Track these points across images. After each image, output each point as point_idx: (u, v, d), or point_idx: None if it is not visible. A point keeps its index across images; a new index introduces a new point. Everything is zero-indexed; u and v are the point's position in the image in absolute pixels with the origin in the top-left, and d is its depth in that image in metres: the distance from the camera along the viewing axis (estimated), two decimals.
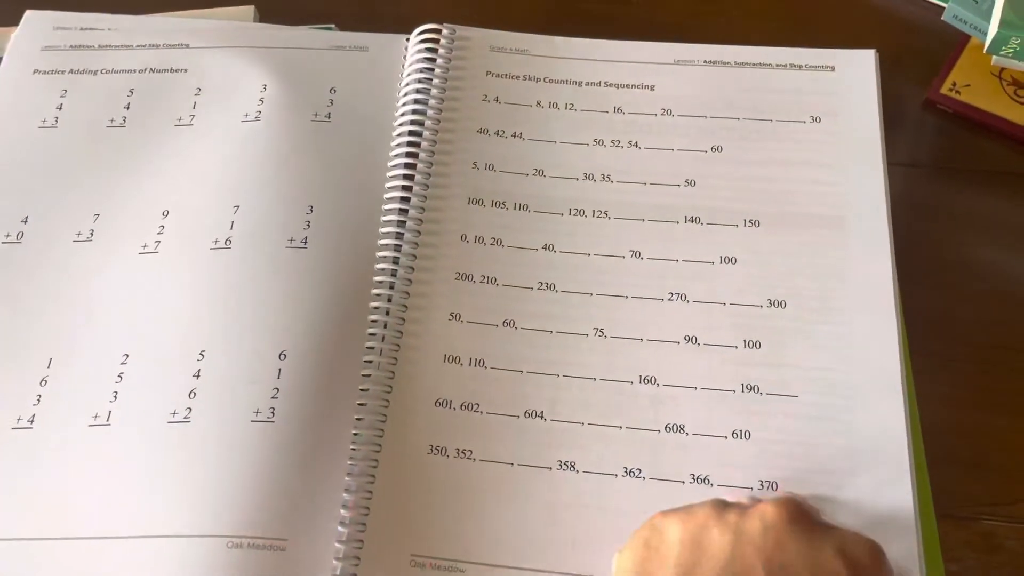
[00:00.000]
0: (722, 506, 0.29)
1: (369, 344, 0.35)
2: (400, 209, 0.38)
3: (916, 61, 0.47)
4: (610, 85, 0.41)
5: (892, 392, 0.34)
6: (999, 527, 0.35)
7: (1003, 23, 0.41)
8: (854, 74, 0.41)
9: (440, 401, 0.34)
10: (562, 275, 0.36)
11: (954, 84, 0.46)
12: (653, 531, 0.29)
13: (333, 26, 0.47)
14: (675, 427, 0.33)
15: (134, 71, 0.42)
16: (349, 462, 0.33)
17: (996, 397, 0.38)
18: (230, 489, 0.31)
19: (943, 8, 0.46)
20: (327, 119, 0.40)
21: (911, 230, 0.41)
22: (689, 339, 0.35)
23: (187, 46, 0.43)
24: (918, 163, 0.46)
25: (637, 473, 0.32)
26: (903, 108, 0.47)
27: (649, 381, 0.34)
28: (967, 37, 0.47)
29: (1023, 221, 0.43)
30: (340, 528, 0.31)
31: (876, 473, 0.33)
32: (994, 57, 0.42)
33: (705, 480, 0.32)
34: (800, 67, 0.41)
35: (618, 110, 0.40)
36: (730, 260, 0.37)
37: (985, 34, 0.44)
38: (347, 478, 0.32)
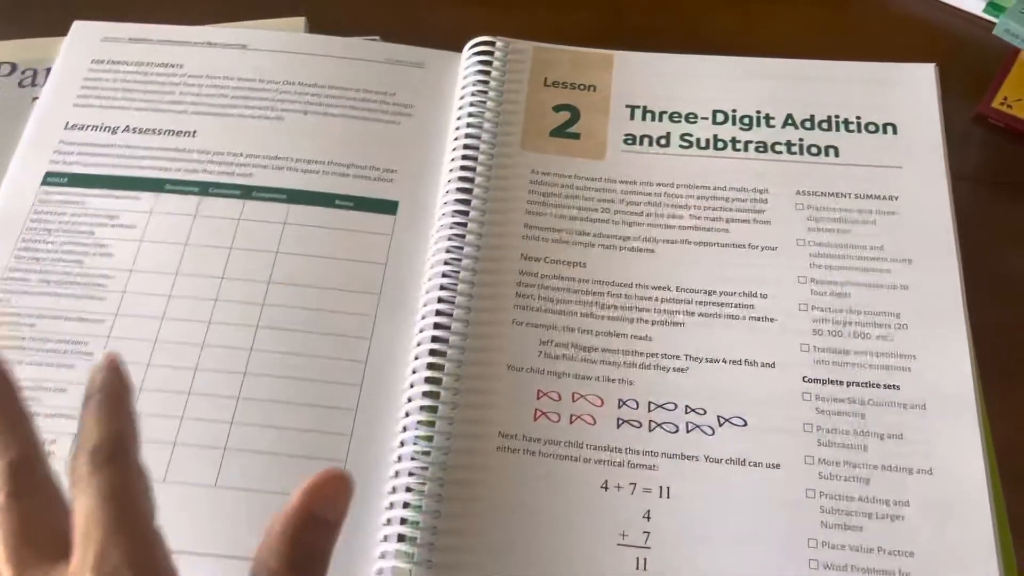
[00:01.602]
0: None
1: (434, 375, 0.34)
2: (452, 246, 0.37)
3: (966, 75, 0.47)
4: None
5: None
6: None
7: None
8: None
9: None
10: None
11: (1005, 98, 0.46)
12: None
13: (378, 37, 0.46)
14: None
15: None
16: None
17: None
18: None
19: (992, 23, 0.46)
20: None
21: (966, 244, 0.40)
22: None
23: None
24: (970, 177, 0.45)
25: None
26: (953, 122, 0.46)
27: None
28: (1017, 51, 0.46)
29: None
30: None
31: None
32: None
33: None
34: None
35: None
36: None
37: None
38: None
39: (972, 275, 0.40)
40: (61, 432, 0.34)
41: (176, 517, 0.32)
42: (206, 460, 0.33)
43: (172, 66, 0.42)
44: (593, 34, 0.49)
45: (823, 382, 0.34)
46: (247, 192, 0.39)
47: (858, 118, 0.40)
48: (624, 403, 0.34)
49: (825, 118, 0.40)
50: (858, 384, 0.34)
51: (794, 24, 0.50)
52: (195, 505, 0.33)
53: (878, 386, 0.34)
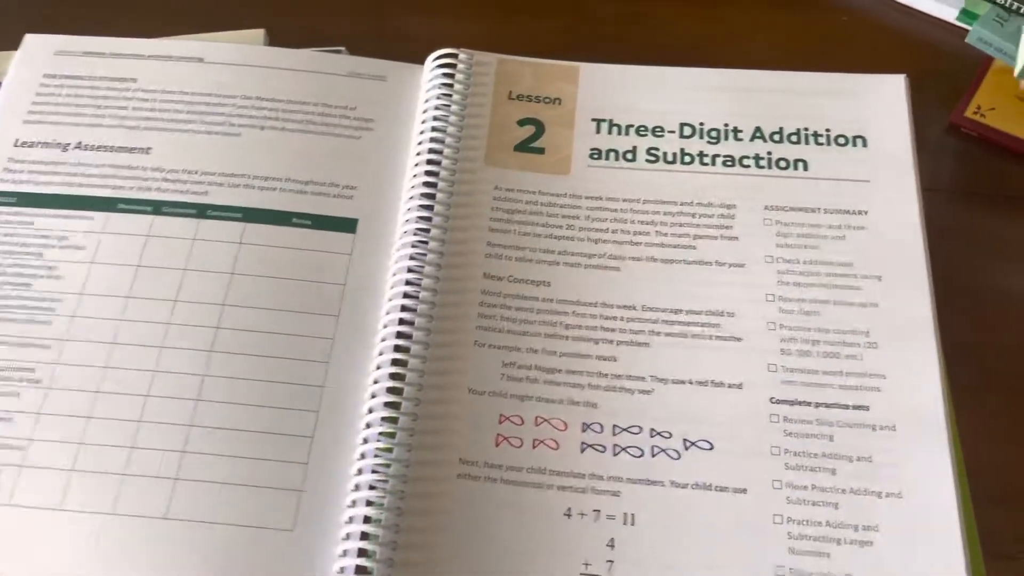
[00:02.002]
0: None
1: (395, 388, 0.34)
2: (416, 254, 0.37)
3: (939, 84, 0.47)
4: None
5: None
6: None
7: None
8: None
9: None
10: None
11: (979, 107, 0.45)
12: None
13: (343, 49, 0.45)
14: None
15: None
16: None
17: None
18: None
19: (966, 30, 0.46)
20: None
21: (939, 256, 0.40)
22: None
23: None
24: (942, 187, 0.45)
25: None
26: (926, 132, 0.46)
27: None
28: (991, 60, 0.46)
29: None
30: None
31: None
32: (1022, 82, 0.42)
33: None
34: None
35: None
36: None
37: (1010, 56, 0.43)
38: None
39: (945, 288, 0.39)
40: (6, 464, 0.33)
41: (125, 549, 0.31)
42: (156, 491, 0.32)
43: (126, 80, 0.41)
44: (564, 44, 0.48)
45: (791, 403, 0.33)
46: (202, 211, 0.38)
47: (827, 131, 0.39)
48: (588, 427, 0.33)
49: (794, 131, 0.39)
50: (827, 405, 0.33)
51: (768, 33, 0.49)
52: (145, 537, 0.32)
53: (847, 407, 0.33)
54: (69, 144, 0.40)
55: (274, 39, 0.45)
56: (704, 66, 0.42)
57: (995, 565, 0.34)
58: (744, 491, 0.32)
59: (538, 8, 0.51)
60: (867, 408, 0.33)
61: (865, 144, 0.39)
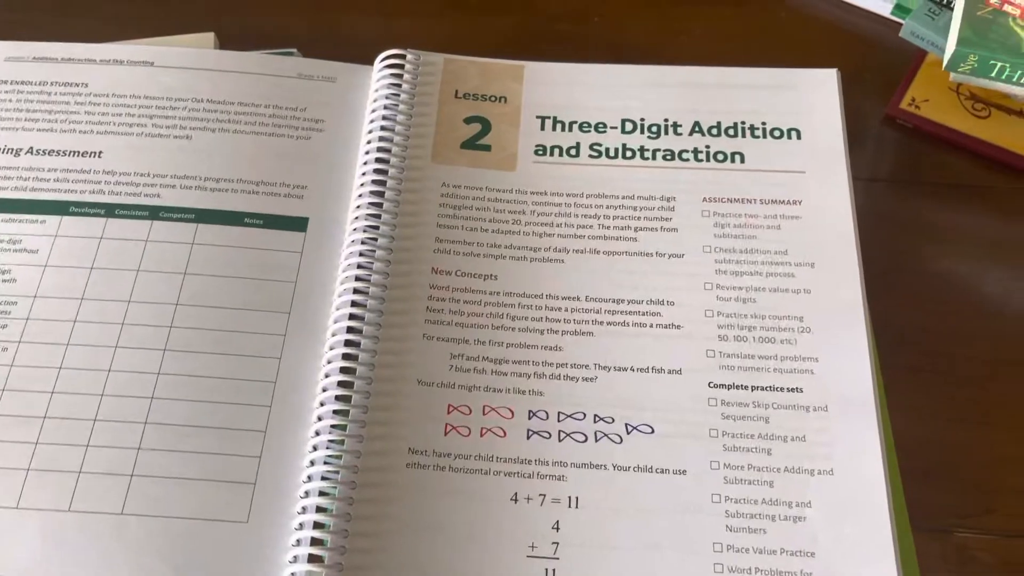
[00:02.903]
0: None
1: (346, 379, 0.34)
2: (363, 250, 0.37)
3: (876, 77, 0.48)
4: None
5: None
6: (971, 539, 0.36)
7: (960, 40, 0.41)
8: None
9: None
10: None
11: (913, 99, 0.47)
12: None
13: (295, 51, 0.46)
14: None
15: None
16: None
17: (963, 408, 0.39)
18: None
19: (901, 25, 0.47)
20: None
21: (874, 244, 0.41)
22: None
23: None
24: (880, 178, 0.46)
25: None
26: (864, 124, 0.47)
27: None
28: (925, 53, 0.47)
29: (984, 233, 0.44)
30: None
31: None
32: (952, 74, 0.43)
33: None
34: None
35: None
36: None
37: (942, 50, 0.45)
38: None
39: (883, 274, 0.41)
40: None
41: (81, 546, 0.32)
42: (112, 487, 0.33)
43: (77, 85, 0.42)
44: (516, 43, 0.50)
45: (728, 387, 0.35)
46: (154, 213, 0.39)
47: (763, 124, 0.41)
48: (534, 414, 0.34)
49: (731, 125, 0.41)
50: (762, 388, 0.35)
51: (714, 30, 0.51)
52: (101, 534, 0.32)
53: (782, 390, 0.35)
54: (21, 149, 0.40)
55: (226, 42, 0.46)
56: (653, 63, 0.43)
57: (931, 539, 0.36)
58: (684, 472, 0.33)
59: (491, 7, 0.52)
60: (801, 390, 0.34)
61: (799, 136, 0.40)
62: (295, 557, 0.32)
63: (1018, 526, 0.36)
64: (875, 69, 0.49)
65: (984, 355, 0.40)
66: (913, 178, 0.46)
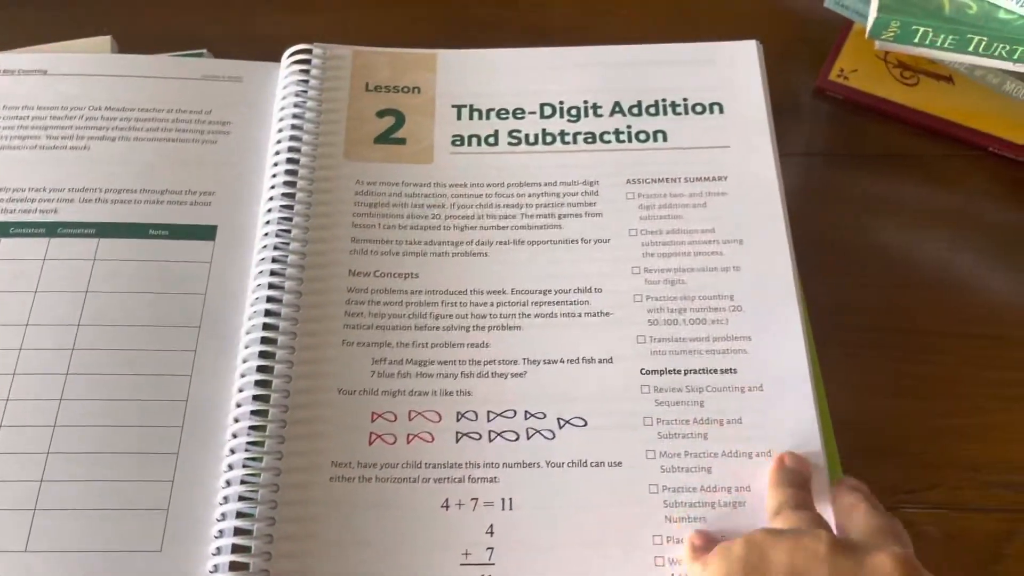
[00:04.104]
0: (834, 544, 0.27)
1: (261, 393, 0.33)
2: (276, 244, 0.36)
3: (806, 50, 0.47)
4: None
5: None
6: (918, 514, 0.35)
7: (882, 7, 0.41)
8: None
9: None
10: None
11: (842, 70, 0.46)
12: (753, 550, 0.27)
13: (205, 51, 0.44)
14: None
15: None
16: None
17: (904, 382, 0.38)
18: None
19: None
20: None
21: (809, 219, 0.40)
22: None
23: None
24: (811, 152, 0.46)
25: None
26: (797, 98, 0.47)
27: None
28: (851, 23, 0.47)
29: (918, 203, 0.43)
30: None
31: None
32: (877, 42, 0.42)
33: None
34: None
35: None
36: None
37: (867, 19, 0.44)
38: None
39: (818, 248, 0.40)
40: None
41: None
42: (14, 524, 0.31)
43: None
44: (436, 32, 0.48)
45: (661, 372, 0.34)
46: (52, 229, 0.36)
47: (685, 100, 0.39)
48: (463, 415, 0.33)
49: (652, 103, 0.39)
50: (696, 371, 0.33)
51: (638, 10, 0.49)
52: (4, 573, 0.30)
53: (715, 371, 0.33)
54: None
55: (132, 46, 0.44)
56: (578, 44, 0.41)
57: None
58: (619, 464, 0.32)
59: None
60: (735, 371, 0.33)
61: (722, 111, 0.39)
62: None
63: (964, 499, 0.35)
64: (805, 42, 0.48)
65: (922, 327, 0.39)
66: (845, 150, 0.46)
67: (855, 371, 0.38)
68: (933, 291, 0.40)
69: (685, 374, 0.33)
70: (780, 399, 0.33)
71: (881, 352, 0.39)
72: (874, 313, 0.40)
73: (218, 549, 0.31)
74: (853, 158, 0.45)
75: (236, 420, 0.33)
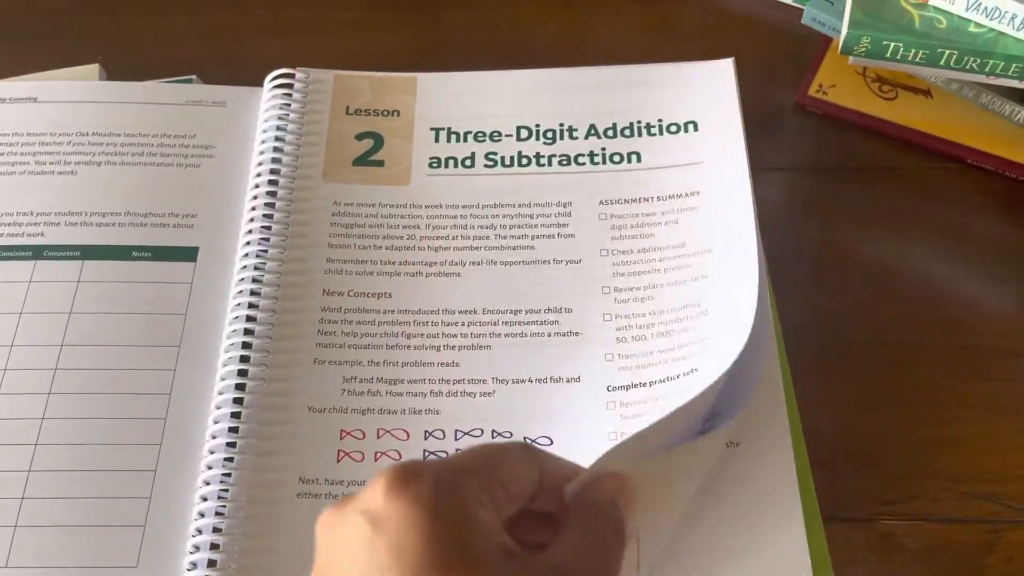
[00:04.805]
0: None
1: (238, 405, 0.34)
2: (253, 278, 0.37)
3: (786, 66, 0.48)
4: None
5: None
6: (897, 526, 0.35)
7: (852, 23, 0.41)
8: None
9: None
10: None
11: (820, 85, 0.46)
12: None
13: (194, 77, 0.45)
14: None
15: None
16: None
17: (883, 394, 0.38)
18: None
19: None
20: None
21: (788, 233, 0.41)
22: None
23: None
24: (793, 166, 0.46)
25: None
26: (778, 113, 0.47)
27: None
28: (829, 39, 0.47)
29: (899, 214, 0.43)
30: None
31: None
32: (851, 57, 0.43)
33: None
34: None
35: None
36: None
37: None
38: None
39: (794, 263, 0.40)
40: None
41: None
42: None
43: None
44: (417, 55, 0.49)
45: (627, 387, 0.34)
46: (38, 252, 0.38)
47: (659, 120, 0.40)
48: (431, 434, 0.33)
49: (627, 125, 0.40)
50: (660, 381, 0.34)
51: (619, 29, 0.50)
52: None
53: (678, 377, 0.34)
54: None
55: (121, 74, 0.45)
56: (559, 66, 0.42)
57: (856, 528, 0.35)
58: None
59: (392, 23, 0.51)
60: (697, 371, 0.34)
61: (697, 128, 0.40)
62: None
63: (943, 510, 0.35)
64: (785, 58, 0.48)
65: (900, 339, 0.39)
66: (825, 164, 0.46)
67: (833, 383, 0.38)
68: (911, 302, 0.40)
69: (650, 386, 0.34)
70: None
71: (858, 365, 0.39)
72: (852, 325, 0.40)
73: (193, 564, 0.31)
74: (832, 172, 0.45)
75: (213, 437, 0.33)
